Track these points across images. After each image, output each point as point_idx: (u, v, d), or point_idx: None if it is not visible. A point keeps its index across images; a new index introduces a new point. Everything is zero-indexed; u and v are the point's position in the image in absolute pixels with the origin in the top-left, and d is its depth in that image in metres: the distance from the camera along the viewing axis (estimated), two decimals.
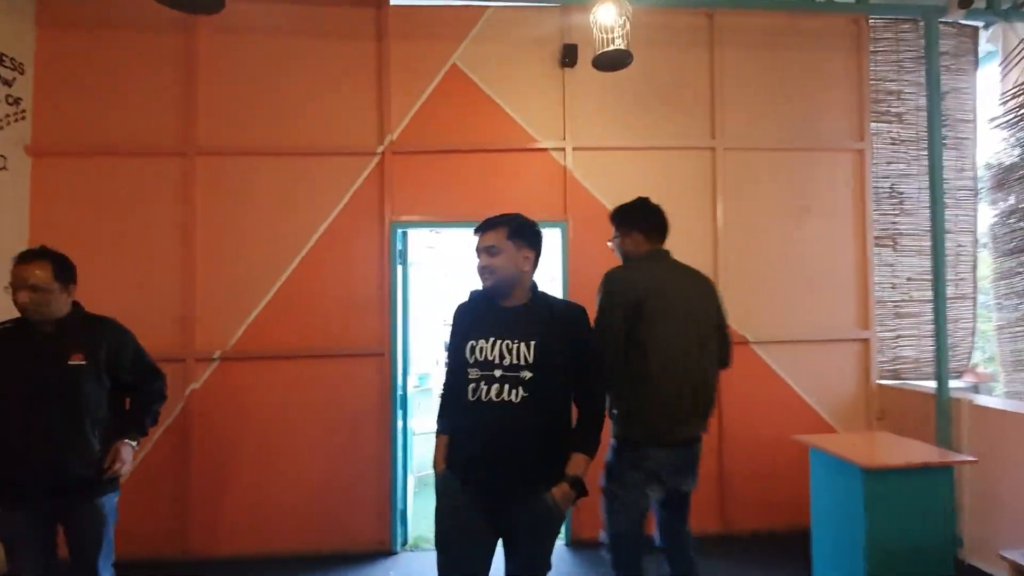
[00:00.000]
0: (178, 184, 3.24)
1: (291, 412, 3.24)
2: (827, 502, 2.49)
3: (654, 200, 2.18)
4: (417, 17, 3.37)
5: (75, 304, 2.03)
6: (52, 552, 1.99)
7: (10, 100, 3.09)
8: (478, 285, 1.78)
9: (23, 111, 3.17)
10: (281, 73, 3.32)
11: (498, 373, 1.61)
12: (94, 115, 3.24)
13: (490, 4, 3.40)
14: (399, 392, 3.35)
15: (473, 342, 1.66)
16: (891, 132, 3.63)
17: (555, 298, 1.81)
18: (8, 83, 3.08)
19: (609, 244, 2.27)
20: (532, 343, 1.63)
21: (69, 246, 2.02)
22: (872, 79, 3.61)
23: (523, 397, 1.60)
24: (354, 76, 3.35)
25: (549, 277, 3.26)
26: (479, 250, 1.71)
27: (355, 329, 3.28)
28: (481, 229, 1.74)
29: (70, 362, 1.93)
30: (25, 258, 1.89)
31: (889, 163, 3.63)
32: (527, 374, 1.61)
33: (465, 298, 1.83)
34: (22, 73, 3.17)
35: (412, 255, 3.64)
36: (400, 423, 3.34)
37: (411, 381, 3.66)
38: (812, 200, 3.53)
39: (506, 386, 1.60)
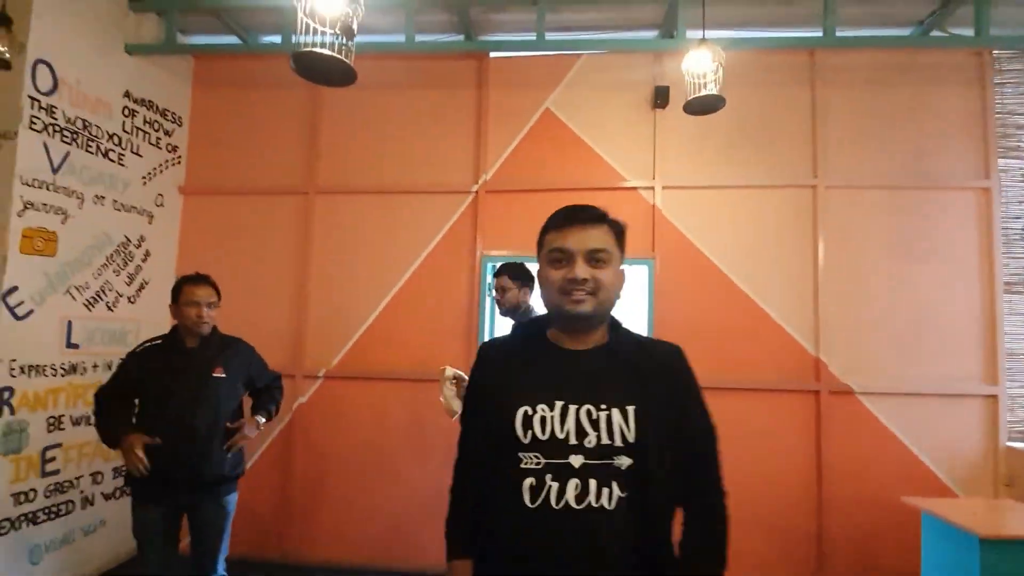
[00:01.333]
0: (298, 219, 3.63)
1: (384, 431, 3.44)
2: (939, 573, 2.25)
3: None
4: (515, 67, 3.59)
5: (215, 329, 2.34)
6: (175, 545, 2.26)
7: (169, 148, 3.64)
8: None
9: (179, 157, 3.73)
10: (390, 120, 3.65)
11: (578, 461, 1.00)
12: (234, 159, 3.74)
13: (583, 52, 3.55)
14: None
15: (527, 408, 1.03)
16: (1023, 169, 3.31)
17: (644, 336, 1.22)
18: (168, 133, 3.64)
19: (494, 294, 2.70)
20: (631, 409, 1.02)
21: (207, 271, 2.35)
22: (998, 112, 3.33)
23: (620, 499, 0.99)
24: (455, 121, 3.61)
25: (632, 316, 3.27)
26: (571, 254, 1.08)
27: (444, 355, 3.45)
28: (576, 220, 1.11)
29: (213, 374, 2.22)
30: (196, 280, 2.24)
31: (1021, 202, 3.30)
32: (626, 461, 1.00)
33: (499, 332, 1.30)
34: (180, 125, 3.73)
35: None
36: None
37: None
38: (928, 241, 3.27)
39: (593, 482, 0.99)
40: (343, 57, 1.81)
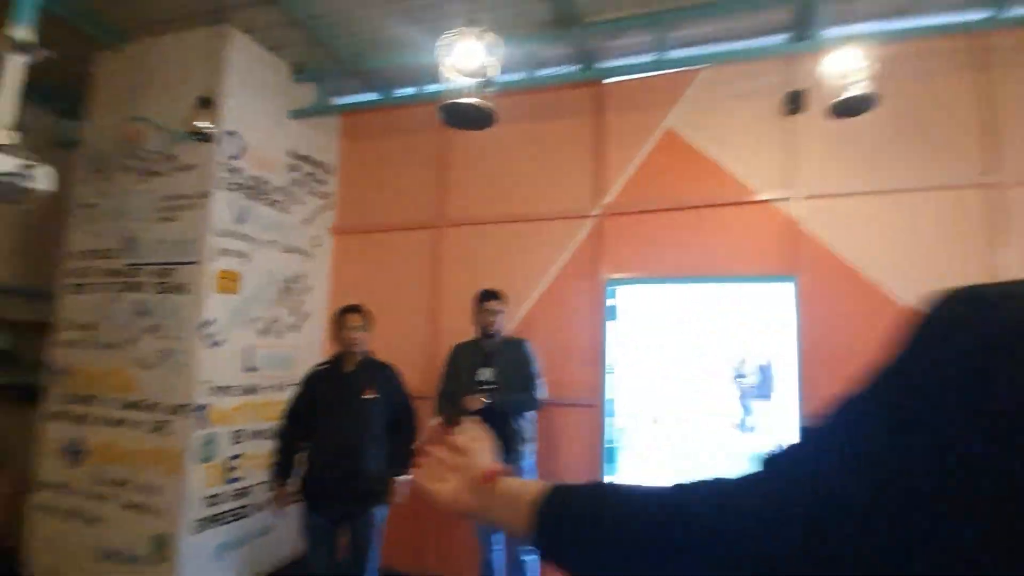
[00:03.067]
0: (431, 251, 3.92)
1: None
2: None
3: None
4: (631, 89, 3.60)
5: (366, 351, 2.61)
6: (335, 551, 2.48)
7: (323, 195, 4.15)
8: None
9: (332, 202, 4.23)
10: (512, 152, 3.83)
11: None
12: (376, 200, 4.16)
13: (703, 67, 3.45)
14: (608, 444, 3.39)
15: None
16: None
17: None
18: (322, 183, 4.15)
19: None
20: None
21: (356, 301, 2.62)
22: None
23: None
24: (574, 148, 3.69)
25: (780, 332, 3.03)
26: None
27: (569, 380, 3.46)
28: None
29: (363, 396, 2.46)
30: (349, 310, 2.55)
31: None
32: None
33: None
34: (331, 174, 4.25)
35: (623, 310, 3.74)
36: (606, 477, 3.37)
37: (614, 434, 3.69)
38: None
39: None
40: (483, 103, 1.97)
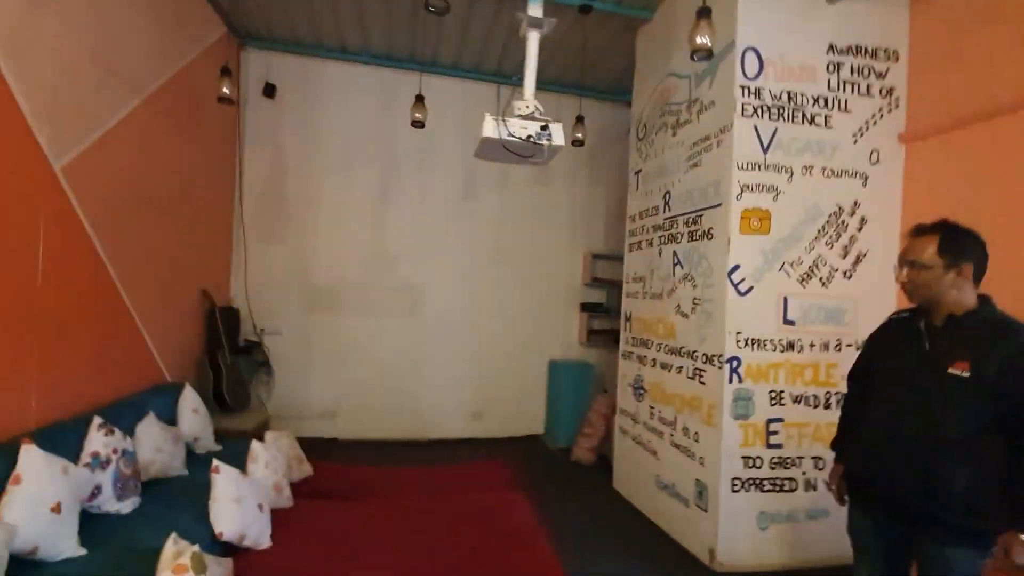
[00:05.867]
0: None
1: None
2: None
3: None
4: None
5: (983, 299, 1.59)
6: (889, 568, 1.66)
7: (884, 92, 3.04)
8: None
9: (896, 99, 3.06)
10: None
11: None
12: (961, 79, 2.70)
13: None
14: None
15: None
16: None
17: None
18: (882, 75, 3.04)
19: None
20: None
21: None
22: None
23: None
24: None
25: None
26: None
27: None
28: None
29: (949, 370, 1.52)
30: (917, 232, 1.64)
31: None
32: None
33: None
34: (896, 60, 3.06)
35: None
36: None
37: None
38: None
39: None
40: None
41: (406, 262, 4.92)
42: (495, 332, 5.13)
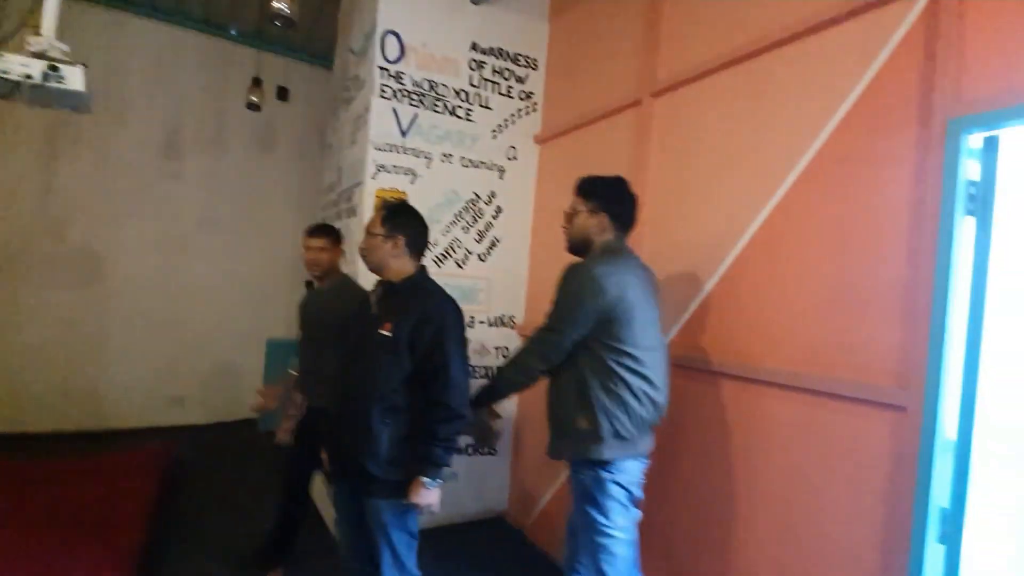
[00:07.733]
0: (633, 133, 2.64)
1: (738, 455, 2.00)
2: None
3: None
4: None
5: (420, 268, 1.78)
6: (356, 533, 1.81)
7: (523, 95, 3.37)
8: None
9: (535, 104, 3.41)
10: None
11: None
12: (578, 91, 3.10)
13: None
14: (935, 506, 1.45)
15: None
16: None
17: None
18: (522, 80, 3.36)
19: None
20: None
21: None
22: None
23: None
24: None
25: None
26: None
27: (851, 348, 1.66)
28: None
29: (379, 331, 1.68)
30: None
31: None
32: None
33: None
34: (535, 69, 3.41)
35: (1004, 191, 1.53)
36: (934, 555, 1.44)
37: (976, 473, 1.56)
38: None
39: None
40: None
41: (80, 226, 4.28)
42: (203, 309, 4.74)
